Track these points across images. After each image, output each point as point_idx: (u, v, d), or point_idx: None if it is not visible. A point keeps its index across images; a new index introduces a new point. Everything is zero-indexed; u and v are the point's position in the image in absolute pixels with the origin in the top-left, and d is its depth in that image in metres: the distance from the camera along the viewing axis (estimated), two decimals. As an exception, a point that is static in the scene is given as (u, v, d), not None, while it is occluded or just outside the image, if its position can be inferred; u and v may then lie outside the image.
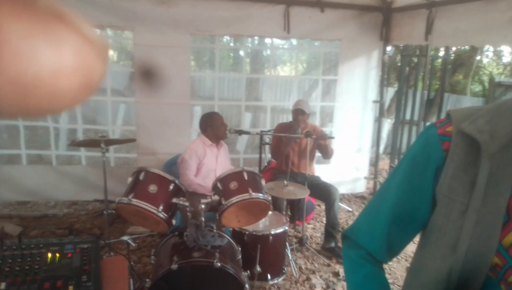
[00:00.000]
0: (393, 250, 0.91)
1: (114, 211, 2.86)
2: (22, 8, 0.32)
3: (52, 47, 0.33)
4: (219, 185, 2.52)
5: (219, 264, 2.18)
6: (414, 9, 4.14)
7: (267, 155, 4.02)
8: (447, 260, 0.78)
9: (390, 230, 0.87)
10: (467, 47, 8.98)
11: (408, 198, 0.85)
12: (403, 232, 0.88)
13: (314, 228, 4.11)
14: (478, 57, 11.33)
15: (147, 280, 2.23)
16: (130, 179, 2.47)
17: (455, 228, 0.77)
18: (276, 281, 2.92)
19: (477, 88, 12.68)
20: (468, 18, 3.46)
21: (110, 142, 3.16)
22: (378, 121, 5.00)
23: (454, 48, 9.67)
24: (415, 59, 6.62)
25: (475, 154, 0.74)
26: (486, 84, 12.22)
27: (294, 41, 5.31)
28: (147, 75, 4.07)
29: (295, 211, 3.74)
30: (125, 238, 2.57)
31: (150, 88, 4.11)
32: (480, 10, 3.30)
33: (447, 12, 3.68)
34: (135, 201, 2.33)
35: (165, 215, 2.36)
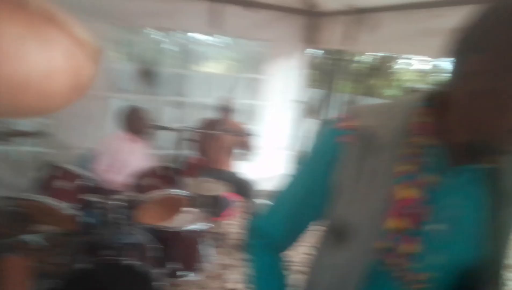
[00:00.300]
0: (293, 237, 0.98)
1: (19, 208, 2.65)
2: (14, 10, 0.32)
3: (43, 48, 0.33)
4: (135, 180, 2.45)
5: (130, 262, 2.12)
6: (337, 15, 4.32)
7: (190, 151, 3.98)
8: (340, 246, 0.85)
9: (292, 219, 0.93)
10: (385, 54, 9.60)
11: (308, 188, 0.91)
12: (303, 220, 0.95)
13: (234, 224, 4.15)
14: (394, 64, 12.18)
15: (56, 280, 2.10)
16: (37, 175, 2.31)
17: (348, 216, 0.83)
18: (193, 278, 2.90)
19: (393, 92, 13.66)
20: (386, 27, 3.69)
21: (15, 134, 2.92)
22: (299, 120, 5.17)
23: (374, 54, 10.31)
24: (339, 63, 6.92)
25: (368, 146, 0.80)
26: (401, 90, 13.19)
27: (222, 39, 5.31)
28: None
29: (215, 207, 3.74)
30: (30, 237, 2.41)
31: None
32: (397, 20, 3.53)
33: (367, 20, 3.88)
34: (42, 198, 2.19)
35: (76, 212, 2.25)
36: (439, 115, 0.78)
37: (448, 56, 0.73)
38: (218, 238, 3.70)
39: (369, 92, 10.56)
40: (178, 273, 2.78)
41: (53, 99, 0.37)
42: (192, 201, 3.25)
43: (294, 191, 0.94)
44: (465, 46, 0.70)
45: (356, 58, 10.64)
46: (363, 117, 0.83)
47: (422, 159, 0.79)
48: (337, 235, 0.86)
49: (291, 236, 0.97)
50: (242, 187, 3.65)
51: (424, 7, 3.19)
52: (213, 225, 3.84)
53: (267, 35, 4.59)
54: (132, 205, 2.40)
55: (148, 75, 4.06)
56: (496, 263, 0.81)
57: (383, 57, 10.79)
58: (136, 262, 2.16)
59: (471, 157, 0.78)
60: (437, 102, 0.79)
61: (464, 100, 0.72)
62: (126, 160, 3.03)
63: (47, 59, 0.34)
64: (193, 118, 4.49)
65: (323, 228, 0.93)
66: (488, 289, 0.82)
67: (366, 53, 10.29)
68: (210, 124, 3.69)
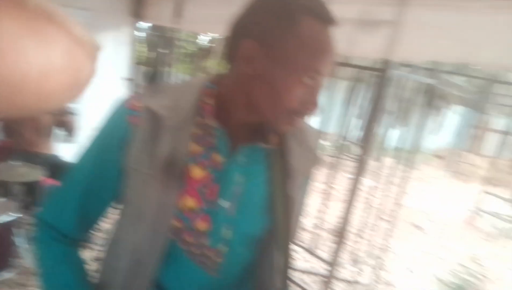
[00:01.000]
0: (86, 226, 0.91)
1: None
2: (13, 8, 0.34)
3: (42, 47, 0.36)
4: None
5: None
6: (165, -11, 4.22)
7: (-3, 133, 3.45)
8: (135, 229, 0.83)
9: (82, 206, 0.86)
10: (214, 35, 9.83)
11: (97, 172, 0.85)
12: (95, 206, 0.89)
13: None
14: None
15: None
16: None
17: (141, 198, 0.82)
18: (5, 275, 2.57)
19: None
20: (213, 8, 3.74)
21: None
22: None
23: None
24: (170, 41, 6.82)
25: (158, 128, 0.79)
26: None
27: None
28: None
29: (31, 195, 3.36)
30: None
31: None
32: (223, 2, 3.60)
33: (195, -1, 3.88)
34: None
35: None
36: (221, 97, 0.83)
37: (225, 41, 0.79)
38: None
39: (202, 72, 10.79)
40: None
41: (51, 98, 0.38)
42: (4, 190, 2.84)
43: (83, 175, 0.87)
44: (238, 32, 0.76)
45: (191, 39, 10.67)
46: (151, 98, 0.82)
47: (209, 140, 0.83)
48: (132, 216, 0.85)
49: (83, 223, 0.90)
50: (62, 172, 3.34)
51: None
52: (29, 215, 3.45)
53: (88, 4, 4.20)
54: None
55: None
56: (286, 233, 0.91)
57: (217, 39, 11.08)
58: None
59: (253, 137, 0.86)
60: (220, 84, 0.84)
61: (240, 83, 0.78)
62: None
63: (46, 58, 0.35)
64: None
65: (119, 209, 0.91)
66: (278, 257, 0.92)
67: (201, 34, 10.40)
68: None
